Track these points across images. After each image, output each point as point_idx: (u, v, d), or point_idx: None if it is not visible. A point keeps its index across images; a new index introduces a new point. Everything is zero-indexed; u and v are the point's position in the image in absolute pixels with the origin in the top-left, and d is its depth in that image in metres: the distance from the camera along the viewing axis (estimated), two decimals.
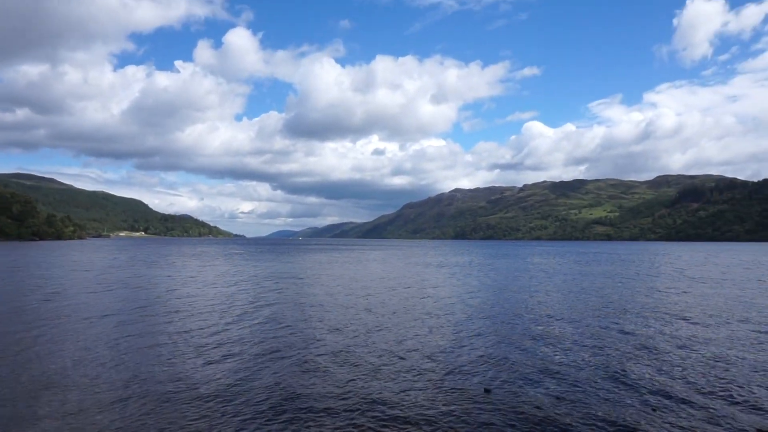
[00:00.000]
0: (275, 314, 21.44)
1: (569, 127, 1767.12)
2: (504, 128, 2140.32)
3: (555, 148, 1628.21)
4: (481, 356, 14.37)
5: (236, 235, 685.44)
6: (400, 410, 10.02)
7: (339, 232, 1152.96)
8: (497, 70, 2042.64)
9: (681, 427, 9.24)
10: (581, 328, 18.56)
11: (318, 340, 16.19)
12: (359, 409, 10.08)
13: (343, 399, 10.65)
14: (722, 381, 11.97)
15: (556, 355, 14.59)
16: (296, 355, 14.28)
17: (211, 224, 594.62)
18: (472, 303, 25.53)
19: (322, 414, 9.79)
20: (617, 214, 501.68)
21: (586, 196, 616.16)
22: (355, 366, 13.19)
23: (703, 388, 11.44)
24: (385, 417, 9.70)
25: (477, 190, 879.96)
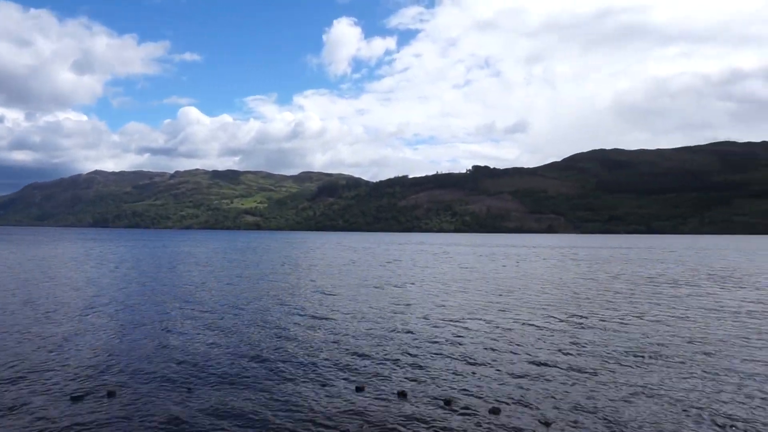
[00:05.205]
0: None
1: (226, 117, 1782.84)
2: (159, 111, 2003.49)
3: (211, 137, 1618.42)
4: (108, 357, 13.23)
5: None
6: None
7: None
8: (155, 49, 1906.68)
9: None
10: (209, 318, 18.50)
11: None
12: None
13: None
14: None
15: (184, 346, 14.48)
16: None
17: None
18: (91, 299, 22.83)
19: None
20: (266, 205, 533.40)
21: (239, 187, 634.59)
22: None
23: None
24: None
25: (122, 173, 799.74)
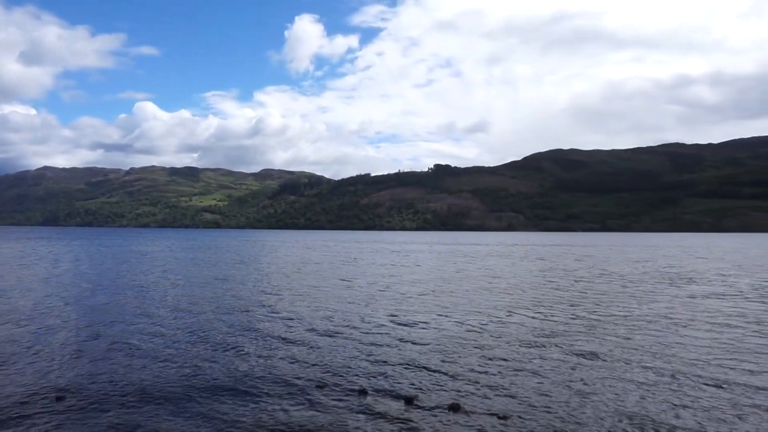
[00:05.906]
0: None
1: (185, 113, 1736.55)
2: (114, 105, 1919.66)
3: (169, 133, 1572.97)
4: (55, 361, 12.78)
5: None
6: None
7: None
8: (110, 41, 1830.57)
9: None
10: (154, 323, 17.97)
11: None
12: None
13: None
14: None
15: (131, 351, 14.02)
16: None
17: None
18: (24, 302, 21.89)
19: None
20: (226, 203, 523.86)
21: (197, 184, 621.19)
22: None
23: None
24: None
25: (74, 170, 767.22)
